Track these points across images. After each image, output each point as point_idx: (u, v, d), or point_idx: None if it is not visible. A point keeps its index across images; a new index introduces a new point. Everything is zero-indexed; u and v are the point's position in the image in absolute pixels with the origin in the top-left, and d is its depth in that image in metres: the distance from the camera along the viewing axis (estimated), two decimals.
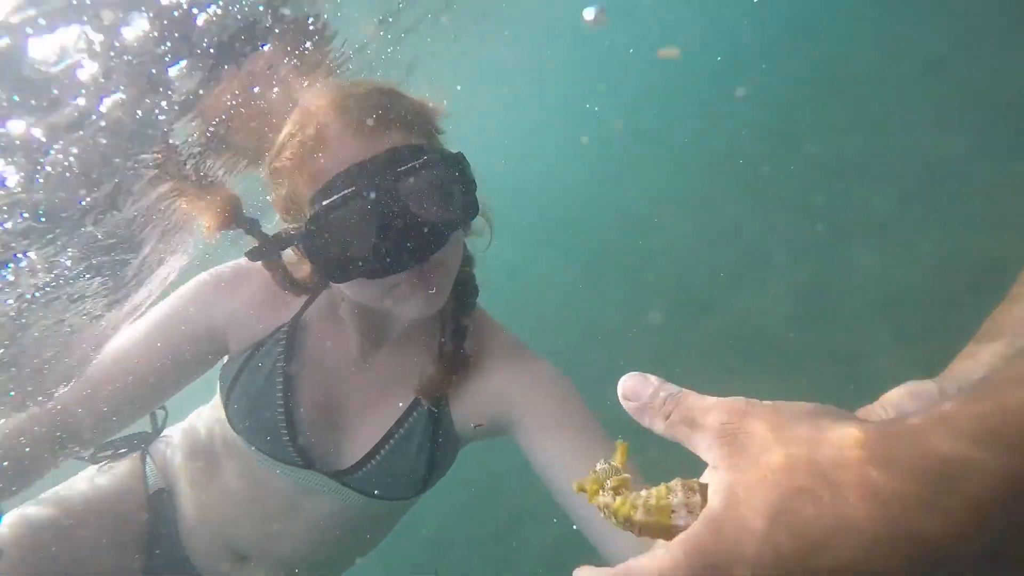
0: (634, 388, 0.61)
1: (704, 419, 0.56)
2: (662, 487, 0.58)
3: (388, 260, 1.11)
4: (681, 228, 7.18)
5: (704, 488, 0.56)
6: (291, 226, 1.19)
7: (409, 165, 1.10)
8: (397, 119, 1.14)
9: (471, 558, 5.32)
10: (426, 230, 1.11)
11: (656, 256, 7.13)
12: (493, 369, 1.33)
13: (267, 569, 1.47)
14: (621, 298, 6.85)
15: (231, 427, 1.34)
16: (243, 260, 1.28)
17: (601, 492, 0.60)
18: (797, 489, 0.48)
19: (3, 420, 1.23)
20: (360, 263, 1.12)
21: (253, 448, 1.33)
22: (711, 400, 0.58)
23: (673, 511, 0.56)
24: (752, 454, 0.52)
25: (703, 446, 0.56)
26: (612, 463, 0.62)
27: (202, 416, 1.54)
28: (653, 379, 0.61)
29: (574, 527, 1.20)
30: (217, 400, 1.43)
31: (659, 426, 0.59)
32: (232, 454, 1.41)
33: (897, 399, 0.62)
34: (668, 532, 0.56)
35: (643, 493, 0.58)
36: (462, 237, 1.26)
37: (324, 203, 1.08)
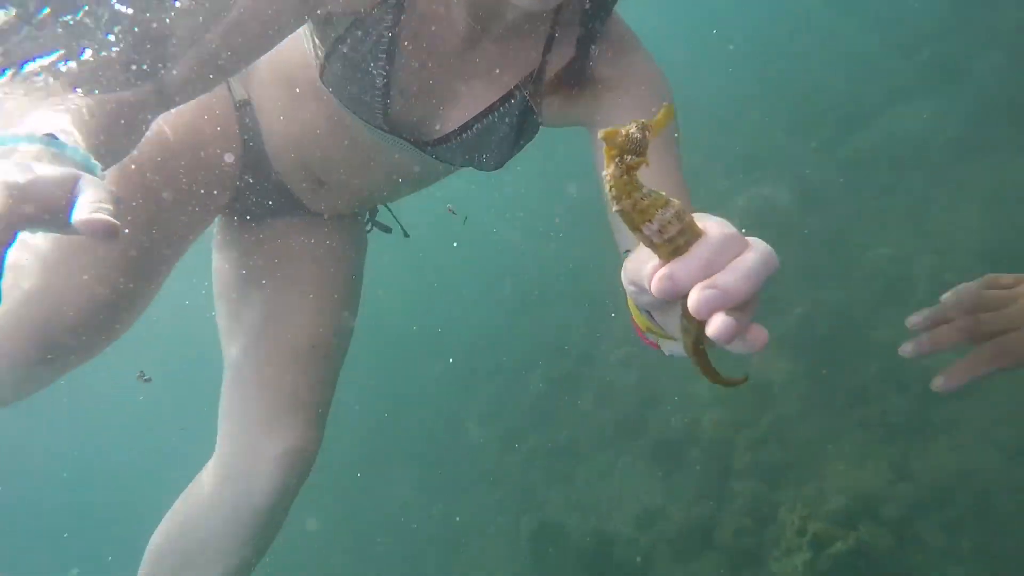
0: None
1: None
2: (662, 197, 0.61)
3: None
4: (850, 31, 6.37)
5: (691, 227, 0.60)
6: None
7: None
8: None
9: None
10: None
11: (816, 65, 6.46)
12: (599, 70, 1.28)
13: (342, 196, 1.62)
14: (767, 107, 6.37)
15: (323, 82, 1.33)
16: None
17: (618, 162, 0.60)
18: None
19: None
20: None
21: (342, 105, 1.34)
22: None
23: (649, 220, 0.60)
24: None
25: None
26: (648, 131, 0.61)
27: (289, 50, 1.44)
28: None
29: None
30: (306, 45, 1.38)
31: None
32: (319, 98, 1.39)
33: None
34: (636, 231, 0.61)
35: (645, 190, 0.60)
36: None
37: None
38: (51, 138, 0.72)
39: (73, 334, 1.33)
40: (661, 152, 1.18)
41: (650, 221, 0.60)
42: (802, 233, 4.55)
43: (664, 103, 0.74)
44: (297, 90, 1.46)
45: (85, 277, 1.34)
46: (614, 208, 0.61)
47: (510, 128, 1.35)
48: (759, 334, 0.59)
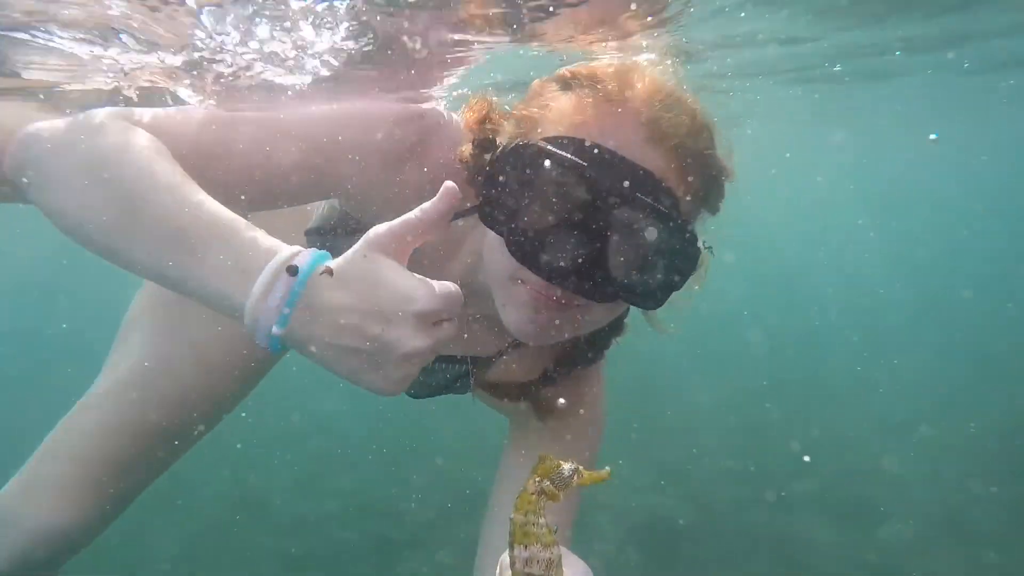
0: None
1: None
2: (552, 540, 0.65)
3: (541, 255, 0.95)
4: None
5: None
6: (502, 140, 1.05)
7: (657, 207, 0.93)
8: (689, 159, 0.98)
9: None
10: (603, 273, 0.95)
11: None
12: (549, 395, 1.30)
13: None
14: None
15: (306, 233, 1.34)
16: (432, 132, 1.13)
17: (538, 481, 0.66)
18: None
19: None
20: (517, 230, 0.96)
21: None
22: None
23: (525, 547, 0.65)
24: None
25: None
26: (578, 476, 0.67)
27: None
28: None
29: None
30: (309, 213, 1.41)
31: None
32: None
33: None
34: (511, 546, 0.66)
35: (543, 521, 0.65)
36: (623, 311, 1.15)
37: (553, 149, 0.94)
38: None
39: None
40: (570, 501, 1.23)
41: (525, 547, 0.65)
42: None
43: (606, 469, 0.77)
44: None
45: None
46: (511, 514, 0.66)
47: (443, 380, 1.37)
48: None
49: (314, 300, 0.84)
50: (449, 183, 0.90)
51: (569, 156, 0.94)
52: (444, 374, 1.35)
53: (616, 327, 1.26)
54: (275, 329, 0.84)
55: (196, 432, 1.53)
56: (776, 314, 11.34)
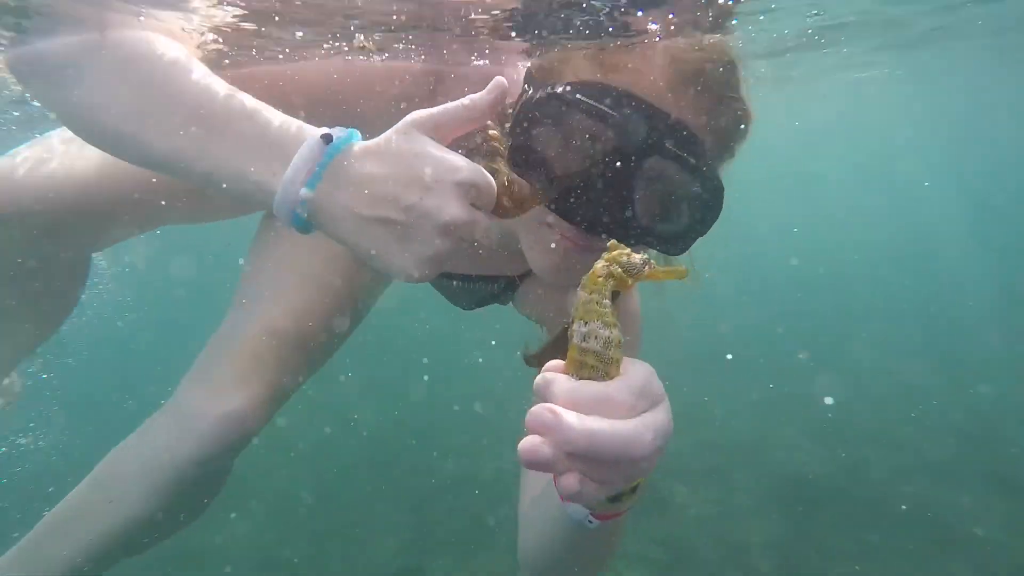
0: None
1: None
2: (613, 320, 0.65)
3: (568, 201, 0.95)
4: None
5: (610, 364, 0.65)
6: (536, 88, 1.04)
7: (684, 154, 0.92)
8: (716, 107, 0.97)
9: None
10: (630, 219, 0.95)
11: None
12: None
13: None
14: None
15: None
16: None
17: (608, 265, 0.65)
18: None
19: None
20: (544, 176, 0.96)
21: None
22: None
23: (585, 322, 0.65)
24: None
25: None
26: (649, 268, 0.65)
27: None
28: None
29: None
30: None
31: None
32: None
33: None
34: (572, 321, 0.67)
35: (607, 303, 0.65)
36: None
37: (579, 96, 0.93)
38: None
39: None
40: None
41: (585, 323, 0.65)
42: None
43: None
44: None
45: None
46: (578, 290, 0.66)
47: (490, 293, 1.50)
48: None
49: (346, 169, 0.85)
50: (499, 77, 0.90)
51: (594, 103, 0.93)
52: (484, 288, 1.48)
53: None
54: (303, 191, 0.84)
55: (338, 337, 1.69)
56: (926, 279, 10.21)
